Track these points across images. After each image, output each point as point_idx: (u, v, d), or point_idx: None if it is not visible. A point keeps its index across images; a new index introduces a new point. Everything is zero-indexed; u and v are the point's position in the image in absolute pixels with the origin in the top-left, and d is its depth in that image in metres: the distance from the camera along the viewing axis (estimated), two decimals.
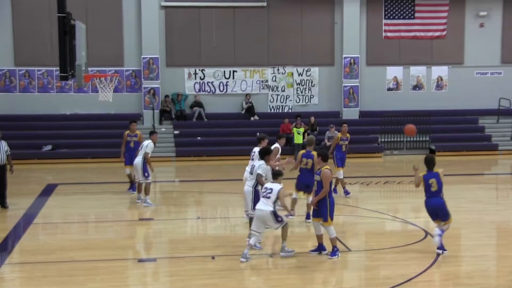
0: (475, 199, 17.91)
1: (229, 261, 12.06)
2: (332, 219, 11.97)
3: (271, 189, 12.14)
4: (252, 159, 14.36)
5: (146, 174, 16.99)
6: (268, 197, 12.06)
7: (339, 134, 18.43)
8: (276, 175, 12.49)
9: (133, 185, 18.74)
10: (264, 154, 12.82)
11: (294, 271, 11.28)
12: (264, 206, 12.05)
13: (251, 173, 13.27)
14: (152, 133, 17.58)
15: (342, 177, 18.08)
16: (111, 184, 20.98)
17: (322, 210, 11.95)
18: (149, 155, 16.99)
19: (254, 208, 12.40)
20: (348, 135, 18.36)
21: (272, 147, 15.50)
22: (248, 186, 13.02)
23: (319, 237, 12.24)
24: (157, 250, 13.27)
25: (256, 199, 12.54)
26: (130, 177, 18.96)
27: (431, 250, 12.61)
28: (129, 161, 18.43)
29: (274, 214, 12.03)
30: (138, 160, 17.13)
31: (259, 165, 12.82)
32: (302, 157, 14.85)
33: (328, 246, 12.11)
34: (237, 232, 14.97)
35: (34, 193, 19.33)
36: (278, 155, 15.87)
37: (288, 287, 10.56)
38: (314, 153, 14.47)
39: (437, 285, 10.76)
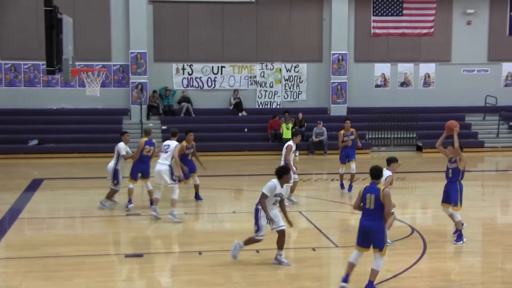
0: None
1: (216, 257, 12.06)
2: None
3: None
4: (166, 152, 15.23)
5: (115, 181, 15.99)
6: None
7: (342, 131, 18.55)
8: (389, 161, 13.01)
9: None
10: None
11: (281, 267, 11.28)
12: None
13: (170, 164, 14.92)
14: (122, 134, 16.63)
15: (343, 172, 18.50)
16: (97, 179, 20.89)
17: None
18: (126, 155, 16.13)
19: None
20: (352, 130, 18.53)
21: (286, 144, 16.23)
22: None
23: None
24: (144, 246, 13.23)
25: None
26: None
27: (417, 246, 12.66)
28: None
29: None
30: (110, 165, 16.17)
31: None
32: (144, 144, 15.88)
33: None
34: (224, 228, 14.96)
35: (20, 187, 19.23)
36: (293, 151, 16.29)
37: (275, 283, 10.57)
38: (155, 141, 16.21)
39: (424, 281, 10.79)
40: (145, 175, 16.15)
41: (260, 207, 11.31)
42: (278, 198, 11.37)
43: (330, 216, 16.11)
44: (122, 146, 16.09)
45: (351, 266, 10.12)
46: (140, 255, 12.23)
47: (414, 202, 17.77)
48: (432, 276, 11.05)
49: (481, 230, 14.59)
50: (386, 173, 13.08)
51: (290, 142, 16.21)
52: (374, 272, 9.98)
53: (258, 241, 11.44)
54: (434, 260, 11.99)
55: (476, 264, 12.02)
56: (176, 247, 12.78)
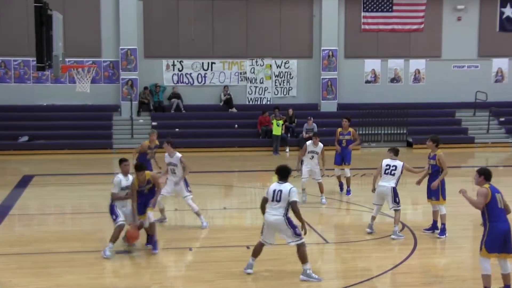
0: (451, 192, 17.99)
1: (207, 253, 12.06)
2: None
3: (395, 166, 13.12)
4: None
5: (113, 216, 12.22)
6: (393, 174, 13.04)
7: (339, 129, 18.03)
8: (398, 152, 13.42)
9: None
10: None
11: (271, 263, 11.28)
12: (387, 182, 13.09)
13: None
14: (120, 162, 12.45)
15: (338, 174, 17.90)
16: (88, 175, 20.85)
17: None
18: (117, 194, 12.18)
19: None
20: (350, 129, 17.92)
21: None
22: None
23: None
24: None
25: None
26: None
27: (408, 242, 12.70)
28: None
29: (394, 191, 13.04)
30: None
31: None
32: None
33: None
34: (214, 224, 14.95)
35: (10, 184, 19.16)
36: (309, 151, 16.35)
37: (264, 279, 10.57)
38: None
39: (414, 277, 10.83)
40: None
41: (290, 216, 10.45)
42: None
43: (320, 212, 16.12)
44: (116, 182, 12.22)
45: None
46: (130, 252, 12.21)
47: (405, 198, 17.69)
48: (422, 272, 11.09)
49: (471, 226, 14.62)
50: (400, 163, 13.19)
51: (308, 142, 16.61)
52: (509, 276, 9.54)
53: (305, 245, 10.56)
54: (425, 256, 12.04)
55: (467, 260, 12.06)
56: (166, 243, 12.76)
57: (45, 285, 10.29)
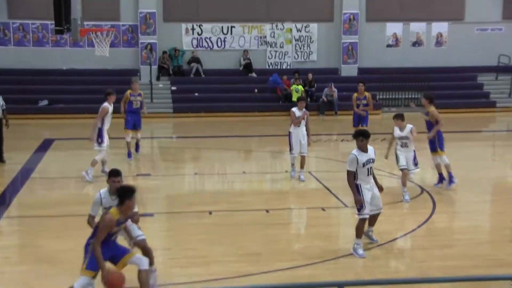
0: (472, 156, 17.93)
1: (226, 217, 12.12)
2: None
3: None
4: None
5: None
6: None
7: (355, 94, 18.55)
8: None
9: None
10: None
11: (291, 227, 11.33)
12: None
13: None
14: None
15: None
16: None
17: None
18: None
19: None
20: (366, 93, 18.46)
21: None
22: None
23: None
24: (154, 206, 13.31)
25: None
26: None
27: (426, 205, 12.68)
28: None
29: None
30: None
31: None
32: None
33: None
34: (234, 188, 15.01)
35: (31, 148, 19.31)
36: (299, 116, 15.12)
37: (284, 243, 10.61)
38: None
39: (431, 240, 10.83)
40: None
41: (359, 182, 9.84)
42: (371, 165, 9.86)
43: (339, 176, 16.04)
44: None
45: None
46: (150, 215, 12.31)
47: (424, 163, 17.68)
48: (439, 235, 11.09)
49: (490, 189, 14.56)
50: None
51: (293, 108, 15.35)
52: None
53: (364, 220, 10.00)
54: (443, 219, 12.03)
55: (484, 223, 12.04)
56: (186, 207, 12.84)
57: (68, 246, 10.39)
